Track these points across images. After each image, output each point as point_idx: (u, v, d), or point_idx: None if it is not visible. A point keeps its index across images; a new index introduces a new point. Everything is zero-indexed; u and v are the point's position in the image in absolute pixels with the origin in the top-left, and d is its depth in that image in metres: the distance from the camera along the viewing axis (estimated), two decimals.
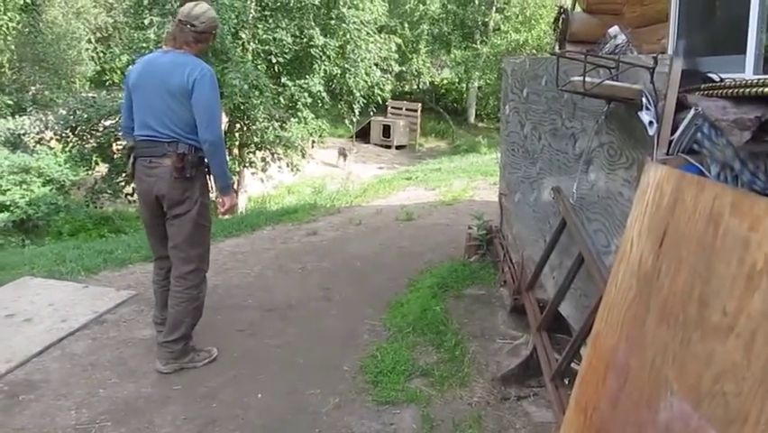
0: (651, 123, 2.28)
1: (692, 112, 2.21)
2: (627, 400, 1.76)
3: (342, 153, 20.27)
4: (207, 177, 3.85)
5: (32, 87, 19.01)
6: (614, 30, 3.67)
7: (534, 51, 21.70)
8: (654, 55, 2.41)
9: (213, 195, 3.98)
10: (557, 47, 5.71)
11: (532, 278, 4.01)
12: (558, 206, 3.55)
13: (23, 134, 14.48)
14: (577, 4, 5.47)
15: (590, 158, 3.16)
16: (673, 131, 2.32)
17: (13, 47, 16.96)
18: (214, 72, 3.71)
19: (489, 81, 25.28)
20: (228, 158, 12.71)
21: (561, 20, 5.41)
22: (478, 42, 25.15)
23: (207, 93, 3.60)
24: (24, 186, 12.76)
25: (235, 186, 14.17)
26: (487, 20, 25.58)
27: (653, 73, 2.35)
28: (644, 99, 2.33)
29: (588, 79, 2.52)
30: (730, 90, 2.12)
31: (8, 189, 12.58)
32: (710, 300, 1.48)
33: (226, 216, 3.72)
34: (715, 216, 1.50)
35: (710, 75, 2.55)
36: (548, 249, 3.65)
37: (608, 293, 1.96)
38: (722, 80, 2.45)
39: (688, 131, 2.23)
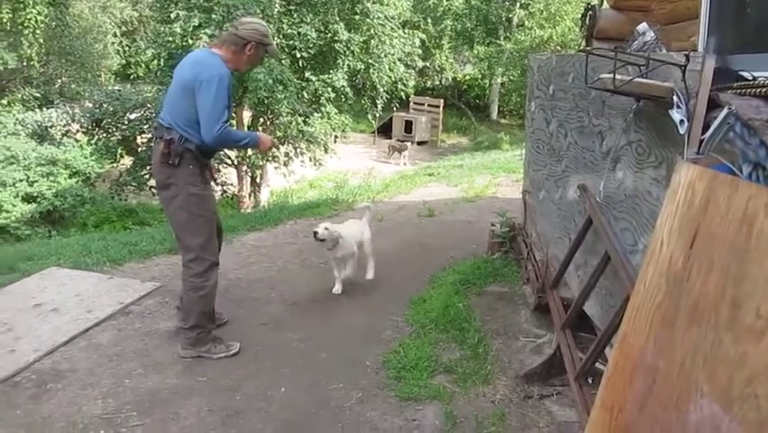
0: (682, 121, 2.25)
1: (725, 111, 2.17)
2: (655, 402, 1.75)
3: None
4: (200, 168, 3.91)
5: (59, 80, 19.24)
6: (642, 27, 3.64)
7: (558, 48, 21.52)
8: (686, 52, 2.38)
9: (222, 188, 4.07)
10: (583, 44, 5.66)
11: (556, 276, 3.99)
12: (584, 204, 3.53)
13: (50, 127, 14.69)
14: (605, 1, 5.41)
15: (618, 156, 3.13)
16: (704, 130, 2.29)
17: (41, 40, 17.12)
18: (226, 77, 3.70)
19: (512, 78, 25.17)
20: (250, 152, 12.87)
21: (588, 16, 5.36)
22: (501, 38, 25.01)
23: (210, 97, 3.64)
24: (51, 178, 12.96)
25: (258, 180, 14.25)
26: (511, 16, 25.43)
27: (684, 71, 2.32)
28: (675, 97, 2.30)
29: (618, 77, 2.50)
30: (764, 89, 2.08)
31: (36, 181, 12.77)
32: (743, 302, 1.46)
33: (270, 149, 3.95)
34: (749, 217, 1.48)
35: (743, 73, 2.51)
36: (573, 247, 3.62)
37: (635, 293, 1.94)
38: (755, 79, 2.41)
39: (720, 130, 2.19)
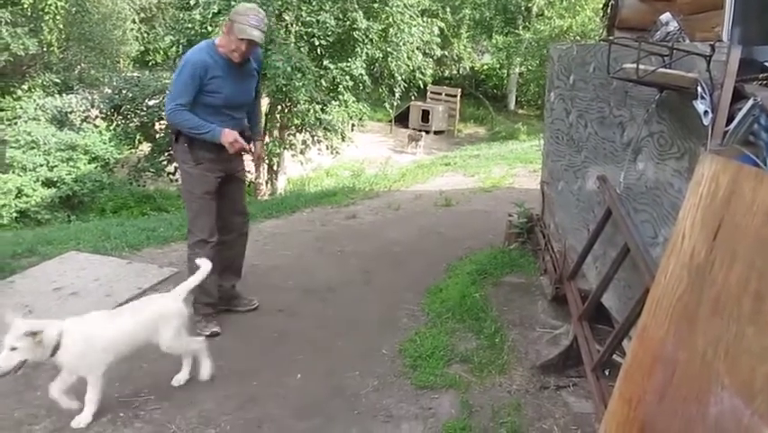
0: (706, 112, 2.23)
1: (750, 102, 2.15)
2: (675, 393, 1.74)
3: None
4: (193, 147, 4.00)
5: (79, 66, 19.34)
6: (665, 17, 3.59)
7: (578, 38, 21.31)
8: (711, 43, 2.35)
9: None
10: (605, 33, 5.60)
11: (574, 267, 3.98)
12: (603, 195, 3.51)
13: (70, 112, 14.77)
14: None
15: (639, 147, 3.10)
16: (729, 121, 2.27)
17: (61, 26, 17.24)
18: (191, 63, 3.82)
19: (530, 68, 24.96)
20: (267, 139, 12.89)
21: (610, 6, 5.30)
22: (520, 28, 24.79)
23: (174, 78, 3.95)
24: (71, 163, 13.05)
25: (275, 167, 14.28)
26: (530, 5, 25.17)
27: (709, 61, 2.30)
28: (699, 88, 2.27)
29: (641, 67, 2.47)
30: None
31: (55, 166, 12.88)
32: (767, 295, 1.45)
33: (237, 150, 3.94)
34: None
35: None
36: (592, 239, 3.61)
37: (656, 285, 1.93)
38: None
39: (744, 122, 2.17)
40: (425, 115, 23.30)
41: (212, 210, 4.12)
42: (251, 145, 4.21)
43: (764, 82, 2.22)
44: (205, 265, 3.63)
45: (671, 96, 2.73)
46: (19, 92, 17.16)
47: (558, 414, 3.37)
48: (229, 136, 3.88)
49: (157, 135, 13.98)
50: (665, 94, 2.78)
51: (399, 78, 13.87)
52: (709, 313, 1.64)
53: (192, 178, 4.08)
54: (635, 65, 2.52)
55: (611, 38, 4.01)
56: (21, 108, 15.59)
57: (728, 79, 2.25)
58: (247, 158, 4.33)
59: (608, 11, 5.36)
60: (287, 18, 12.35)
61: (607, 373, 3.21)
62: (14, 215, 12.04)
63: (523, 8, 25.55)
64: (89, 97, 15.11)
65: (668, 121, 2.79)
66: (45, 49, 17.53)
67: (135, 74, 16.91)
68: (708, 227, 1.71)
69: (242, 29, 3.71)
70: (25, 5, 16.20)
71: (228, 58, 3.84)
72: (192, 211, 4.14)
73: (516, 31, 24.75)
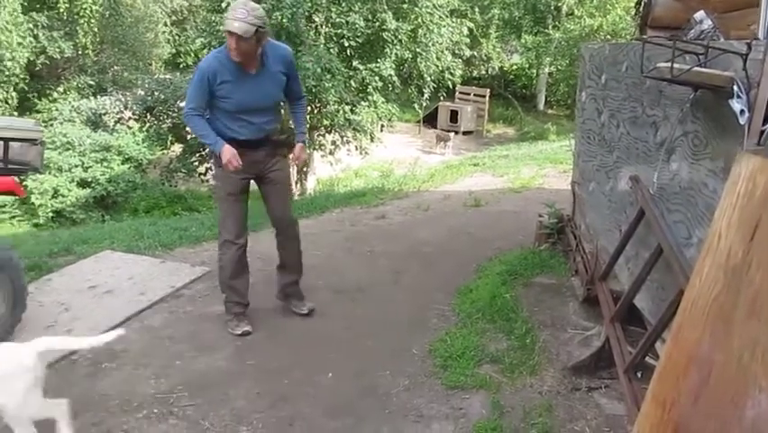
0: (742, 111, 2.20)
1: None
2: (710, 396, 1.73)
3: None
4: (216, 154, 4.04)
5: (112, 69, 19.65)
6: (700, 15, 3.54)
7: (608, 37, 21.07)
8: (748, 41, 2.32)
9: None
10: (637, 32, 5.55)
11: (606, 268, 3.95)
12: (636, 195, 3.48)
13: (104, 114, 15.07)
14: None
15: (673, 147, 3.07)
16: (765, 120, 2.24)
17: (95, 30, 17.53)
18: (200, 70, 3.90)
19: (560, 67, 24.71)
20: None
21: (642, 4, 5.25)
22: (550, 27, 24.57)
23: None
24: (105, 163, 13.29)
25: (304, 168, 14.38)
26: (560, 4, 24.94)
27: (745, 60, 2.27)
28: (735, 87, 2.25)
29: (676, 66, 2.45)
30: None
31: (90, 167, 13.12)
32: None
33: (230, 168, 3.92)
34: None
35: None
36: (624, 239, 3.58)
37: (691, 286, 1.91)
38: None
39: None
40: (454, 116, 23.24)
41: (237, 212, 4.16)
42: (293, 149, 4.23)
43: None
44: (91, 340, 2.99)
45: (705, 96, 2.70)
46: (55, 94, 17.53)
47: (590, 416, 3.34)
48: (227, 153, 3.84)
49: (188, 136, 14.16)
50: (700, 93, 2.75)
51: (428, 79, 13.86)
52: (746, 315, 1.62)
53: (218, 178, 4.20)
54: (669, 64, 2.50)
55: (644, 37, 3.97)
56: (56, 110, 15.95)
57: (765, 78, 2.22)
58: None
59: (641, 9, 5.32)
60: (316, 19, 12.43)
61: (639, 375, 3.18)
62: (51, 214, 12.30)
63: (552, 7, 25.31)
64: (122, 99, 15.40)
65: (703, 120, 2.76)
66: (80, 52, 17.85)
67: (167, 76, 17.13)
68: (746, 228, 1.69)
69: (226, 23, 3.67)
70: (61, 9, 16.51)
71: (239, 62, 3.81)
72: (221, 211, 4.24)
73: (546, 30, 24.54)
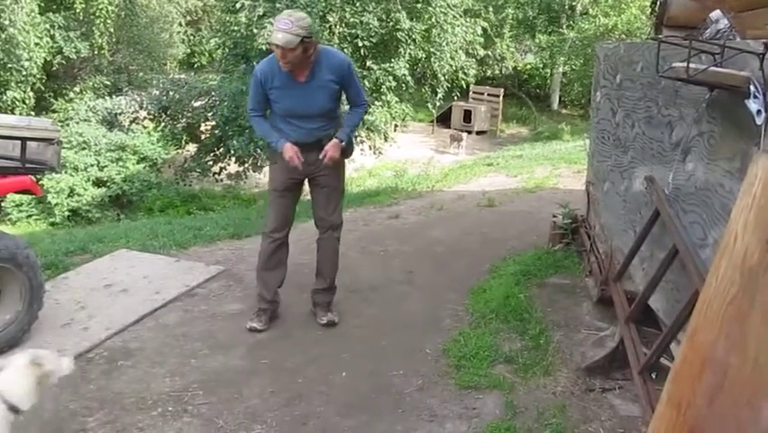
0: (759, 112, 2.19)
1: None
2: (726, 398, 1.72)
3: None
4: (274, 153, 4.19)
5: (128, 69, 19.77)
6: (716, 14, 3.53)
7: (623, 37, 20.94)
8: (765, 41, 2.30)
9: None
10: (652, 31, 5.52)
11: (620, 269, 3.93)
12: (651, 196, 3.46)
13: (120, 114, 15.17)
14: None
15: (688, 147, 3.05)
16: None
17: (111, 30, 17.66)
18: (255, 70, 4.08)
19: (574, 67, 24.58)
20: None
21: (658, 3, 5.22)
22: (564, 27, 24.46)
23: None
24: (120, 163, 13.37)
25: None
26: (574, 3, 24.83)
27: (762, 59, 2.25)
28: (752, 87, 2.23)
29: (692, 65, 2.43)
30: None
31: (106, 166, 13.20)
32: None
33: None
34: None
35: None
36: (639, 240, 3.56)
37: (707, 287, 1.90)
38: None
39: None
40: (468, 115, 23.16)
41: (278, 207, 4.25)
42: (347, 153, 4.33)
43: None
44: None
45: (721, 96, 2.68)
46: (71, 94, 17.67)
47: (604, 417, 3.34)
48: (288, 151, 3.95)
49: (203, 136, 14.23)
50: (716, 93, 2.73)
51: (442, 79, 13.88)
52: (762, 317, 1.62)
53: (270, 173, 4.38)
54: (684, 64, 2.49)
55: (660, 36, 3.95)
56: (72, 110, 16.08)
57: None
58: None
59: (656, 8, 5.29)
60: (330, 19, 12.47)
61: (654, 377, 3.17)
62: (67, 213, 12.39)
63: (567, 6, 25.19)
64: (138, 99, 15.48)
65: (719, 120, 2.74)
66: (96, 52, 17.96)
67: (182, 76, 17.23)
68: (762, 229, 1.68)
69: (271, 35, 3.78)
70: (77, 10, 16.64)
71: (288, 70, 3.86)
72: (267, 205, 4.47)
73: (560, 30, 24.43)
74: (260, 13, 11.24)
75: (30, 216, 12.46)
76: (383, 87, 13.08)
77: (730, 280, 1.78)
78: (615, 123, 4.47)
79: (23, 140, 3.89)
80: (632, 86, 4.10)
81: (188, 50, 24.54)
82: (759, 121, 2.19)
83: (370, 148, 14.36)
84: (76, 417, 3.25)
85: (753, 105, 2.20)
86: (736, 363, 1.69)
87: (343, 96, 4.25)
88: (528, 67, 29.33)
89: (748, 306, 1.68)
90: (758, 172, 1.75)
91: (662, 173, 3.38)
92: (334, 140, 4.06)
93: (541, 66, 27.80)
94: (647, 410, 2.87)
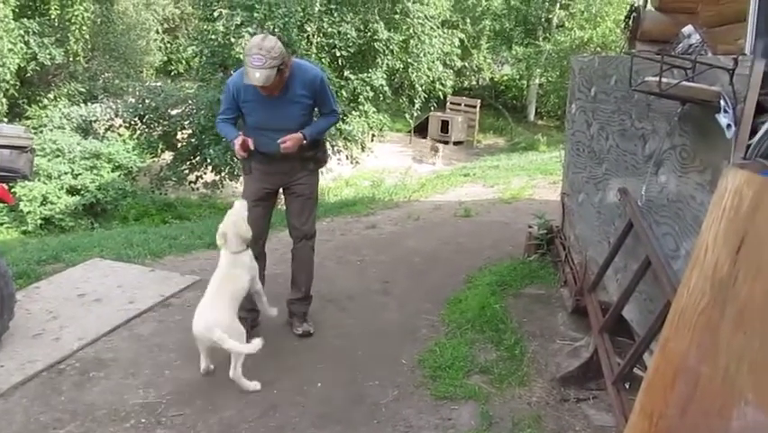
0: (729, 126, 2.23)
1: None
2: (697, 408, 1.74)
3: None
4: (247, 159, 4.15)
5: (103, 76, 19.56)
6: (688, 29, 3.59)
7: (598, 50, 21.22)
8: (735, 56, 2.35)
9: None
10: (626, 45, 5.60)
11: (595, 279, 3.97)
12: (624, 207, 3.50)
13: (94, 121, 14.99)
14: (649, 2, 5.34)
15: (661, 160, 3.10)
16: (752, 135, 2.27)
17: (86, 37, 17.46)
18: (229, 81, 4.12)
19: (550, 79, 24.89)
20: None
21: (631, 18, 5.30)
22: (540, 39, 24.76)
23: None
24: (95, 171, 13.17)
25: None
26: (550, 16, 25.16)
27: (732, 75, 2.30)
28: (722, 101, 2.28)
29: (664, 80, 2.48)
30: None
31: (80, 174, 13.00)
32: None
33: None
34: None
35: None
36: (613, 251, 3.60)
37: (678, 298, 1.93)
38: None
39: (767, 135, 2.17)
40: (445, 126, 23.28)
41: (253, 217, 4.13)
42: (322, 163, 4.42)
43: None
44: None
45: (693, 110, 2.73)
46: (45, 101, 17.40)
47: (578, 427, 3.35)
48: (237, 142, 3.98)
49: (179, 144, 14.12)
50: (688, 107, 2.78)
51: (419, 89, 13.95)
52: (733, 327, 1.64)
53: (244, 183, 4.36)
54: (657, 78, 2.53)
55: (633, 50, 4.01)
56: (46, 117, 15.84)
57: (752, 93, 2.25)
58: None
59: (630, 23, 5.37)
60: (308, 29, 12.49)
61: (627, 387, 3.20)
62: (39, 222, 12.17)
63: (543, 19, 25.53)
64: (113, 107, 15.32)
65: (690, 134, 2.79)
66: (71, 59, 17.73)
67: (158, 84, 17.09)
68: (732, 241, 1.71)
69: (246, 71, 3.65)
70: (53, 16, 16.45)
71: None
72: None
73: (537, 42, 24.72)
74: (238, 22, 11.23)
75: (1, 224, 12.24)
76: (361, 96, 13.13)
77: (701, 292, 1.80)
78: (590, 135, 4.53)
79: None
80: (606, 99, 4.16)
81: (165, 58, 24.41)
82: (729, 135, 2.24)
83: (347, 157, 14.37)
84: (46, 429, 3.19)
85: (723, 119, 2.24)
86: (707, 372, 1.72)
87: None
88: (505, 78, 29.58)
89: (719, 316, 1.71)
90: (728, 185, 1.78)
91: (636, 185, 3.43)
92: (297, 133, 3.99)
93: (517, 77, 28.06)
94: (621, 420, 2.90)
